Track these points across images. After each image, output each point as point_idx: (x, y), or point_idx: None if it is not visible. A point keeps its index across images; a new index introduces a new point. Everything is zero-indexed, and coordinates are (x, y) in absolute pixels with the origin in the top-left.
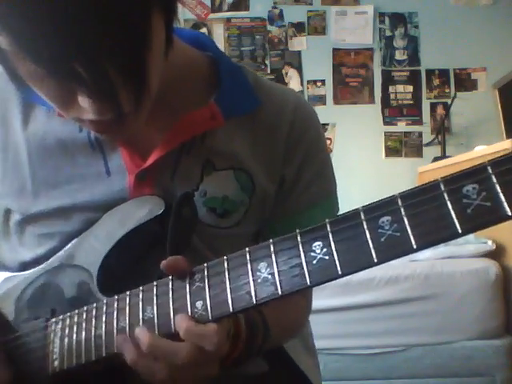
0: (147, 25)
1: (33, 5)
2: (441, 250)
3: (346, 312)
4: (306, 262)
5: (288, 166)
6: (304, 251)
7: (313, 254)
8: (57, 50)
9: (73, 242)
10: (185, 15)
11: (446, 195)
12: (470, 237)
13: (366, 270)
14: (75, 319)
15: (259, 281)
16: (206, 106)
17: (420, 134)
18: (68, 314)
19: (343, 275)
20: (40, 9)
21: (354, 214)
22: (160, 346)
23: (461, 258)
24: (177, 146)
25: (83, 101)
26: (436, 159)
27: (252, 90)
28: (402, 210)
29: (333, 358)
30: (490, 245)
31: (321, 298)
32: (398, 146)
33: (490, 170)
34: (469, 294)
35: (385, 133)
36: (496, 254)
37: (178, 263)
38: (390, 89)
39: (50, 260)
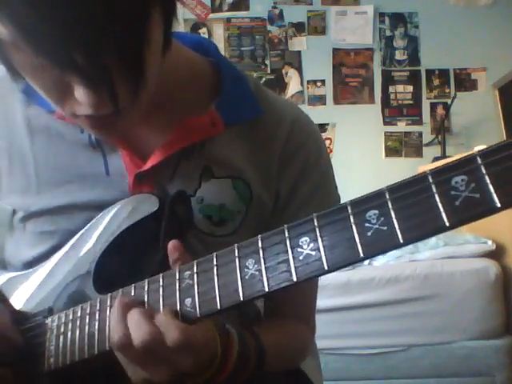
0: (147, 21)
1: None
2: (441, 249)
3: (346, 312)
4: (293, 257)
5: (282, 181)
6: (291, 247)
7: (300, 249)
8: (57, 38)
9: (75, 237)
10: (185, 15)
11: (433, 187)
12: (470, 237)
13: (366, 270)
14: (70, 317)
15: (247, 277)
16: (206, 112)
17: (420, 134)
18: (64, 311)
19: (329, 271)
20: None
21: (341, 207)
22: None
23: (461, 258)
24: (176, 151)
25: (79, 94)
26: (436, 159)
27: (253, 98)
28: (389, 203)
29: (333, 358)
30: (490, 245)
31: (321, 298)
32: (397, 146)
33: (480, 161)
34: (469, 294)
35: (385, 133)
36: (496, 253)
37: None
38: (390, 89)
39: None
